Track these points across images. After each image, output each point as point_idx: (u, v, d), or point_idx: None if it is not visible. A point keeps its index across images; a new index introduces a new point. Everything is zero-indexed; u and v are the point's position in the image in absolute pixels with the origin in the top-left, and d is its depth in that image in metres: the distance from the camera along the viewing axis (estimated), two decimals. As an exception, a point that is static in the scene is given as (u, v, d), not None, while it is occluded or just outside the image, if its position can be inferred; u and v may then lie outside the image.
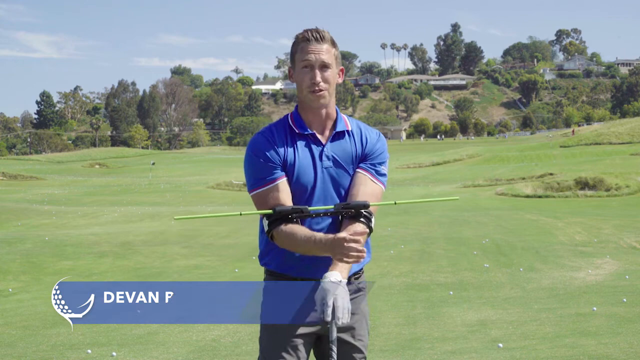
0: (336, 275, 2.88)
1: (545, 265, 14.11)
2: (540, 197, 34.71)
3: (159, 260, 16.36)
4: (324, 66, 3.12)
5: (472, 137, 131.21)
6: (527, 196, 35.06)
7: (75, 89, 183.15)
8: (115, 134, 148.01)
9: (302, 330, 3.13)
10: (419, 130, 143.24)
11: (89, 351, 7.50)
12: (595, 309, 8.86)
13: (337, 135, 3.20)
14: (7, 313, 10.90)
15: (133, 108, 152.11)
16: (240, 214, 3.16)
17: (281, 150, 3.14)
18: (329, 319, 2.81)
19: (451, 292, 11.15)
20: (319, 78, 3.10)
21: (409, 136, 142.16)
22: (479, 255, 15.64)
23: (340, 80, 3.22)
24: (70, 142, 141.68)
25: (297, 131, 3.18)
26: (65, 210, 31.43)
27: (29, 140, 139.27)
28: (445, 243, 17.74)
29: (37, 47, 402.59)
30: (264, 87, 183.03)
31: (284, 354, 3.08)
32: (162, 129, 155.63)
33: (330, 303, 2.83)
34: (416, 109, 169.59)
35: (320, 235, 2.98)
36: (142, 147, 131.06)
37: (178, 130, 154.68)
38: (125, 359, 7.19)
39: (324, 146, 3.18)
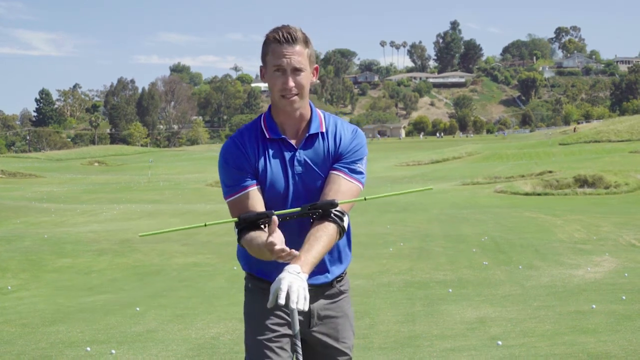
0: (295, 267, 2.82)
1: (544, 263, 14.12)
2: (539, 194, 34.72)
3: (157, 258, 16.36)
4: (297, 70, 3.00)
5: (471, 135, 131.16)
6: (526, 194, 35.06)
7: (75, 86, 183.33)
8: (114, 131, 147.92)
9: (285, 330, 3.11)
10: (418, 128, 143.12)
11: (88, 349, 7.49)
12: (594, 306, 8.86)
13: (310, 138, 3.12)
14: (6, 311, 10.89)
15: (132, 106, 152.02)
16: (205, 225, 3.09)
17: (252, 158, 3.08)
18: (282, 301, 2.74)
19: (450, 290, 11.15)
20: (291, 83, 2.99)
21: (408, 134, 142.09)
22: (478, 252, 15.64)
23: (314, 79, 3.13)
24: (70, 139, 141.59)
25: (268, 136, 3.11)
26: (64, 207, 31.42)
27: (28, 138, 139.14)
28: (444, 241, 17.74)
29: (36, 44, 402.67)
30: (263, 85, 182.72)
31: (269, 354, 3.05)
32: (161, 126, 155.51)
33: (284, 288, 2.74)
34: (415, 106, 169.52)
35: (263, 239, 2.88)
36: (141, 145, 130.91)
37: (177, 128, 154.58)
38: (124, 356, 7.18)
39: (295, 151, 3.10)
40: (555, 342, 6.97)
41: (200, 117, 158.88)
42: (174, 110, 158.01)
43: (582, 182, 36.17)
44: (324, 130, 3.15)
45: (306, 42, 3.05)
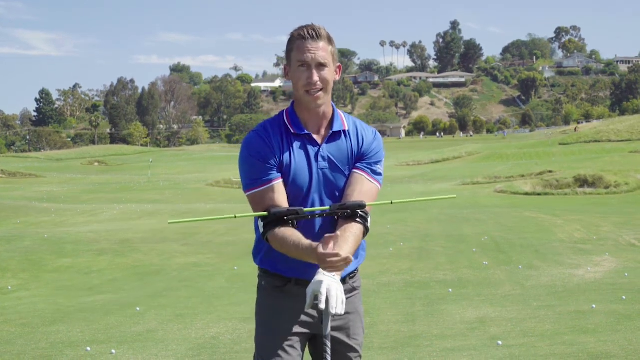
0: None
1: (544, 263, 14.12)
2: (539, 194, 34.72)
3: (157, 258, 16.35)
4: (321, 65, 3.04)
5: (472, 135, 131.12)
6: (526, 194, 35.06)
7: (75, 86, 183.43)
8: (114, 131, 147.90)
9: (297, 329, 3.11)
10: (418, 127, 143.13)
11: (88, 349, 7.49)
12: (594, 306, 8.86)
13: (334, 136, 3.15)
14: (6, 311, 10.89)
15: (132, 106, 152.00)
16: (235, 217, 3.10)
17: (277, 151, 3.08)
18: (323, 306, 2.78)
19: (450, 290, 11.14)
20: (316, 78, 3.02)
21: (408, 134, 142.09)
22: (478, 252, 15.64)
23: (337, 77, 3.16)
24: (70, 139, 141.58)
25: (292, 131, 3.12)
26: (64, 207, 31.41)
27: (28, 137, 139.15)
28: (445, 241, 17.74)
29: (36, 44, 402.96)
30: (263, 85, 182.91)
31: (280, 352, 3.06)
32: (162, 126, 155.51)
33: (324, 292, 2.79)
34: (415, 106, 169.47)
35: (306, 244, 2.91)
36: (141, 145, 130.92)
37: (177, 128, 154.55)
38: (124, 356, 7.18)
39: (319, 147, 3.12)
40: (555, 342, 6.97)
41: (200, 117, 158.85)
42: (174, 110, 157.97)
43: (582, 182, 36.17)
44: (346, 128, 3.18)
45: (330, 39, 3.10)
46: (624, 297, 9.51)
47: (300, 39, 3.05)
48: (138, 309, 10.29)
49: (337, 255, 2.79)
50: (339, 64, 3.17)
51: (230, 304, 10.62)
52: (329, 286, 2.81)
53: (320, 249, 2.83)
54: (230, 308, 10.23)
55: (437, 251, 16.09)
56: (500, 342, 6.97)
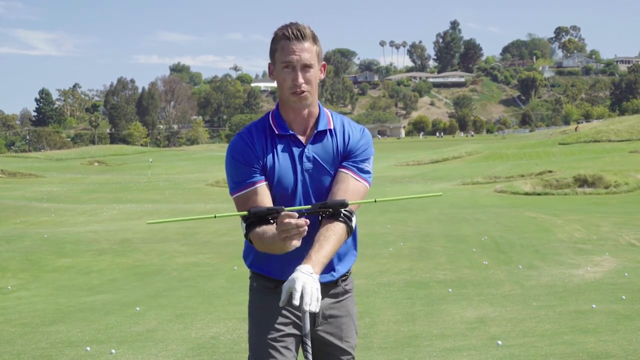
0: (307, 267, 2.84)
1: (544, 263, 14.12)
2: (539, 194, 34.73)
3: (157, 258, 16.35)
4: (306, 66, 3.00)
5: (472, 135, 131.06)
6: (526, 194, 35.08)
7: (74, 86, 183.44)
8: (114, 131, 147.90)
9: (290, 329, 3.11)
10: (418, 127, 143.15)
11: (88, 348, 7.49)
12: (594, 306, 8.86)
13: (319, 135, 3.12)
14: (6, 310, 10.89)
15: (132, 105, 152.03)
16: (215, 217, 3.09)
17: (260, 154, 3.08)
18: (297, 302, 2.77)
19: (450, 290, 11.15)
20: (301, 80, 2.99)
21: (408, 133, 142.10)
22: (478, 252, 15.64)
23: (322, 77, 3.13)
24: (69, 139, 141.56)
25: (277, 132, 3.10)
26: (64, 207, 31.42)
27: (28, 137, 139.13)
28: (445, 240, 17.74)
29: (36, 44, 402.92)
30: (263, 85, 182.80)
31: (274, 353, 3.06)
32: (161, 126, 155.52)
33: (299, 288, 2.76)
34: (415, 106, 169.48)
35: (274, 231, 2.89)
36: (141, 145, 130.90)
37: (177, 128, 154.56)
38: (124, 356, 7.18)
39: (304, 147, 3.10)
40: (555, 341, 6.97)
41: (200, 117, 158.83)
42: (174, 110, 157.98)
43: (582, 181, 36.18)
44: (332, 127, 3.15)
45: (314, 39, 3.06)
46: (623, 297, 9.52)
47: (284, 39, 3.01)
48: (138, 308, 10.29)
49: (292, 216, 2.76)
50: (323, 62, 3.14)
51: (230, 304, 10.62)
52: (304, 283, 2.78)
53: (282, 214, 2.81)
54: (230, 308, 10.24)
55: (437, 251, 16.09)
56: (500, 342, 6.98)
